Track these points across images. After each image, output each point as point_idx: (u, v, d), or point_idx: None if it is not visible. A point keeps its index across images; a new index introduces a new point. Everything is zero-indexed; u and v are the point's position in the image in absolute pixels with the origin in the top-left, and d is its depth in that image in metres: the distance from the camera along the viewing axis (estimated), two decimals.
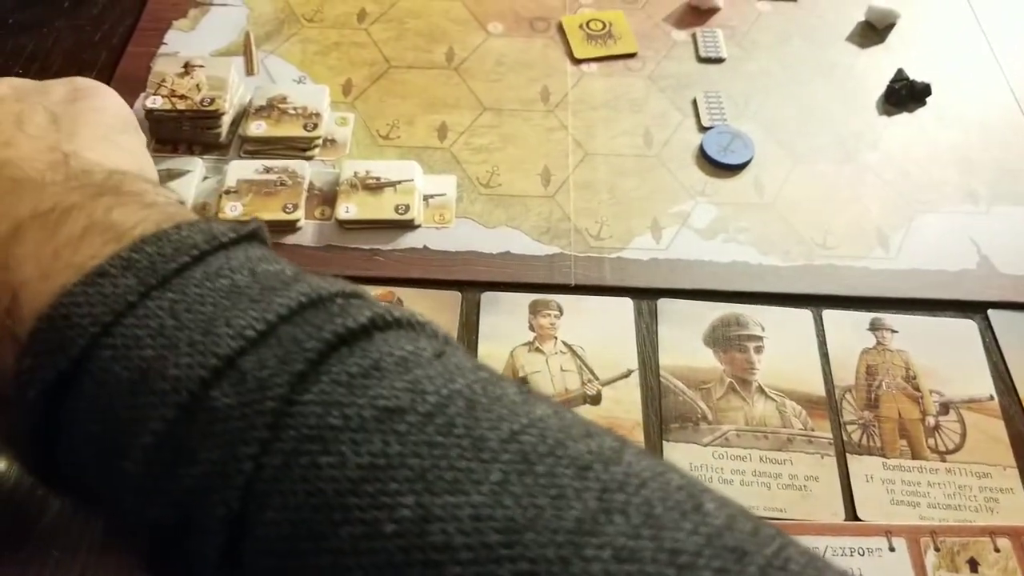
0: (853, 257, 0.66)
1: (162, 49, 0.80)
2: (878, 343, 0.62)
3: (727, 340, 0.62)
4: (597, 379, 0.60)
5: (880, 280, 0.65)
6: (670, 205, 0.69)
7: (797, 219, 0.69)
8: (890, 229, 0.68)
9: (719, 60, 0.80)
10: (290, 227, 0.67)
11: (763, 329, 0.62)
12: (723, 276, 0.65)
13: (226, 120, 0.72)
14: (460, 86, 0.78)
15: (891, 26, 0.83)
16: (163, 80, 0.71)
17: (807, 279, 0.65)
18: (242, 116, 0.73)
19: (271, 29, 0.82)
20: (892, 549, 0.52)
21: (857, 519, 0.54)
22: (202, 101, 0.70)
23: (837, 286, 0.65)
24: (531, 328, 0.62)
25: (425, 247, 0.67)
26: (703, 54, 0.80)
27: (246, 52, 0.80)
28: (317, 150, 0.72)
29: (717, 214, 0.69)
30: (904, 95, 0.77)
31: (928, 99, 0.77)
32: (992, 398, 0.60)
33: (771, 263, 0.66)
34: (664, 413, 0.58)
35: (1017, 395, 0.60)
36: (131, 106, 0.71)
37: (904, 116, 0.77)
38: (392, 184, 0.69)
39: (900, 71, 0.78)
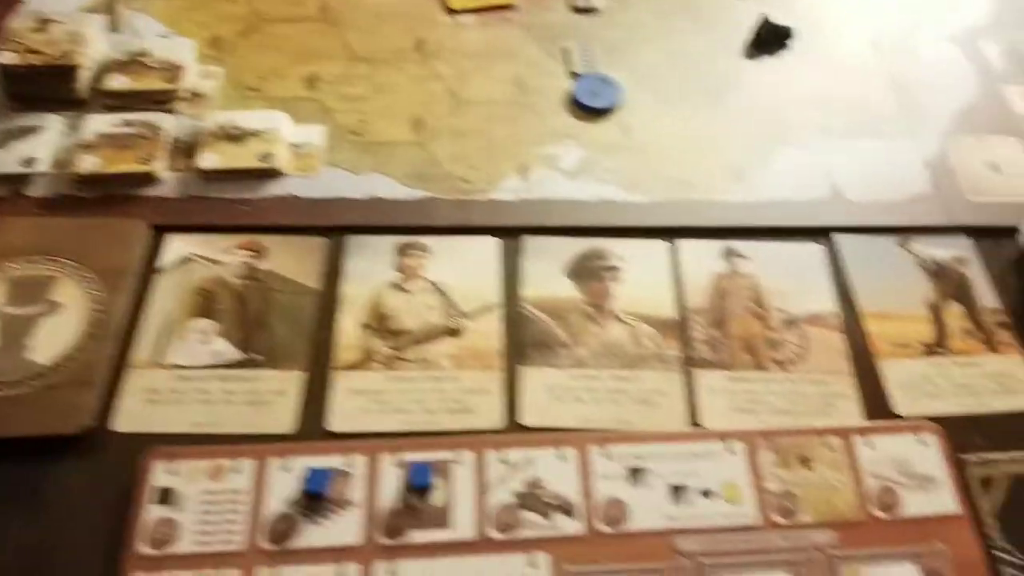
0: (709, 190, 0.67)
1: (22, 8, 0.78)
2: (731, 269, 0.63)
3: (587, 271, 0.62)
4: (461, 313, 0.60)
5: (735, 212, 0.66)
6: (539, 148, 0.70)
7: (662, 160, 0.69)
8: (746, 164, 0.70)
9: (593, 10, 0.81)
10: (148, 179, 0.66)
11: (621, 260, 0.63)
12: (587, 213, 0.66)
13: (84, 75, 0.70)
14: (333, 38, 0.77)
15: None
16: (19, 35, 0.70)
17: (665, 213, 0.66)
18: (103, 72, 0.72)
19: None
20: (732, 452, 0.53)
21: (697, 427, 0.55)
22: (58, 56, 0.69)
23: (694, 219, 0.66)
24: (397, 268, 0.62)
25: (292, 195, 0.66)
26: (578, 4, 0.81)
27: (111, 8, 0.78)
28: (180, 104, 0.71)
29: (585, 156, 0.69)
30: (767, 39, 0.78)
31: (792, 43, 0.78)
32: (834, 314, 0.61)
33: (633, 200, 0.66)
34: (524, 341, 0.59)
35: (856, 310, 0.62)
36: None
37: (769, 60, 0.78)
38: (256, 133, 0.68)
39: (763, 16, 0.79)
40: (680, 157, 0.70)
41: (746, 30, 0.80)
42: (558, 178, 0.68)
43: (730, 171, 0.69)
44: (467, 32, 0.78)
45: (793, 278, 0.63)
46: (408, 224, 0.65)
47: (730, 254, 0.64)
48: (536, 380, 0.57)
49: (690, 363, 0.58)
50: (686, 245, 0.64)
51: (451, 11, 0.80)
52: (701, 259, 0.63)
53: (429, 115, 0.72)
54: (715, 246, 0.64)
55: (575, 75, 0.75)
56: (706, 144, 0.71)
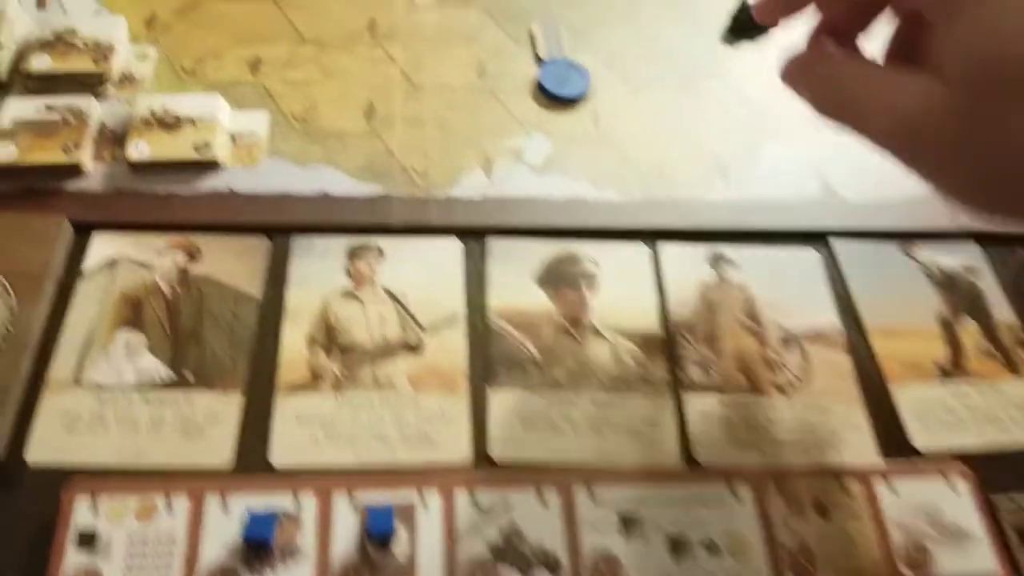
0: (691, 188, 0.62)
1: None
2: (719, 278, 0.57)
3: (559, 278, 0.57)
4: (419, 325, 0.54)
5: (719, 212, 0.61)
6: (502, 139, 0.64)
7: (635, 152, 0.64)
8: (731, 160, 0.64)
9: None
10: (72, 170, 0.59)
11: (597, 265, 0.58)
12: (557, 213, 0.60)
13: (3, 56, 0.63)
14: (278, 18, 0.71)
15: None
16: None
17: (643, 213, 0.61)
18: (25, 51, 0.65)
19: None
20: (737, 498, 0.48)
21: (693, 462, 0.50)
22: None
23: (675, 219, 0.61)
24: (348, 274, 0.56)
25: (230, 190, 0.60)
26: None
27: None
28: (109, 87, 0.64)
29: (552, 149, 0.64)
30: (746, 23, 0.72)
31: (773, 28, 0.73)
32: (837, 331, 0.56)
33: (607, 198, 0.61)
34: (491, 358, 0.53)
35: (861, 326, 0.57)
36: None
37: (748, 46, 0.72)
38: (192, 121, 0.61)
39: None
40: (656, 151, 0.64)
41: (722, 14, 0.74)
42: (524, 173, 0.62)
43: (712, 167, 0.64)
44: (423, 13, 0.72)
45: (789, 288, 0.58)
46: (360, 224, 0.59)
47: (718, 260, 0.59)
48: (506, 405, 0.51)
49: (679, 386, 0.53)
50: (669, 249, 0.59)
51: None
52: (686, 266, 0.58)
53: (381, 102, 0.66)
54: (700, 251, 0.59)
55: (540, 60, 0.69)
56: (684, 137, 0.66)
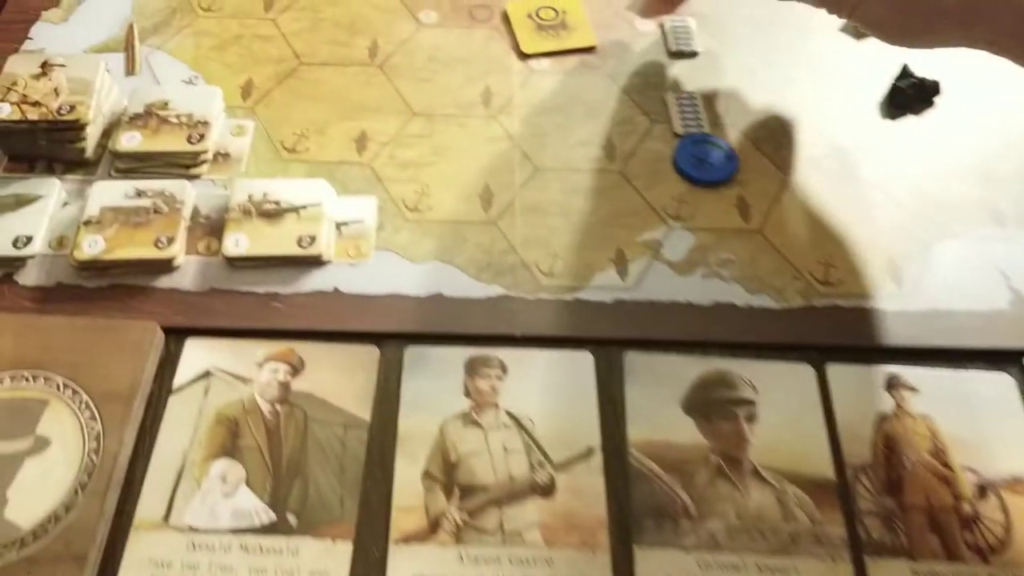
0: (860, 296, 0.54)
1: (26, 45, 0.66)
2: (897, 406, 0.49)
3: (711, 405, 0.49)
4: (550, 461, 0.47)
5: (894, 325, 0.53)
6: (638, 231, 0.56)
7: (791, 247, 0.56)
8: (903, 259, 0.56)
9: (692, 54, 0.67)
10: (165, 266, 0.53)
11: (755, 390, 0.50)
12: (704, 322, 0.53)
13: (92, 132, 0.58)
14: (385, 86, 0.64)
15: None
16: (14, 83, 0.57)
17: (806, 325, 0.53)
18: (115, 126, 0.59)
19: (159, 20, 0.68)
20: None
21: None
22: (59, 109, 0.56)
23: (843, 333, 0.53)
24: (467, 393, 0.49)
25: (336, 289, 0.53)
26: (673, 47, 0.68)
27: (127, 48, 0.66)
28: (205, 167, 0.59)
29: (694, 242, 0.56)
30: (911, 95, 0.64)
31: (938, 99, 0.64)
32: None
33: (762, 304, 0.53)
34: (635, 507, 0.45)
35: None
36: None
37: (911, 121, 0.64)
38: (295, 209, 0.55)
39: (905, 67, 0.65)
40: (813, 246, 0.56)
41: (877, 79, 0.66)
42: (664, 272, 0.55)
43: (883, 269, 0.55)
44: (542, 81, 0.65)
45: (981, 422, 0.49)
46: (479, 332, 0.52)
47: (895, 385, 0.50)
48: (655, 568, 0.43)
49: (860, 547, 0.45)
50: (838, 372, 0.51)
51: (523, 56, 0.66)
52: (859, 392, 0.50)
53: (500, 186, 0.59)
54: (875, 373, 0.51)
55: (676, 136, 0.62)
56: (847, 231, 0.57)
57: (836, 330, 0.53)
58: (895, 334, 0.53)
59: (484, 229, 0.57)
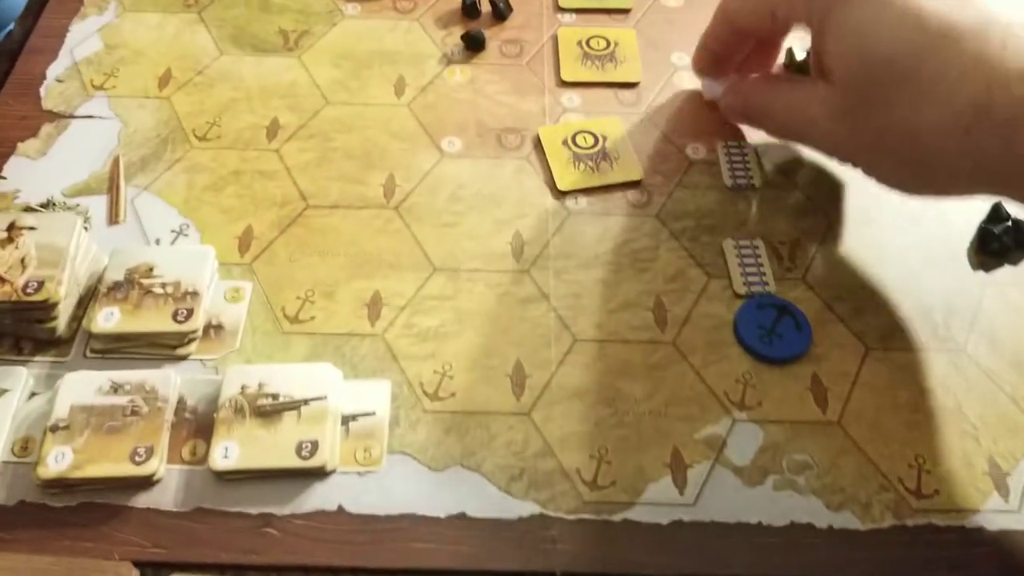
0: (960, 512, 0.45)
1: None
2: None
3: None
4: None
5: (1004, 552, 0.44)
6: (696, 426, 0.48)
7: (875, 446, 0.48)
8: (1008, 461, 0.47)
9: (751, 188, 0.58)
10: (143, 483, 0.45)
11: None
12: (779, 550, 0.44)
13: (64, 307, 0.50)
14: (402, 234, 0.56)
15: None
16: None
17: (898, 550, 0.44)
18: (91, 296, 0.51)
19: (148, 152, 0.60)
20: None
21: None
22: (26, 287, 0.48)
23: (941, 562, 0.43)
24: None
25: (340, 508, 0.45)
26: (729, 182, 0.58)
27: (111, 188, 0.59)
28: (193, 346, 0.51)
29: (764, 440, 0.47)
30: (1006, 241, 0.55)
31: None
32: None
33: (845, 524, 0.45)
34: None
35: None
36: None
37: (1007, 272, 0.55)
38: (295, 406, 0.47)
39: (996, 208, 0.56)
40: (903, 442, 0.48)
41: (963, 220, 0.57)
42: (729, 481, 0.47)
43: (981, 469, 0.47)
44: (581, 224, 0.57)
45: None
46: (511, 570, 0.43)
47: None
48: None
49: None
50: None
51: (559, 193, 0.58)
52: None
53: (533, 363, 0.50)
54: None
55: (738, 296, 0.53)
56: (938, 418, 0.49)
57: (935, 561, 0.44)
58: (1003, 562, 0.44)
59: (516, 422, 0.48)
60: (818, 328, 0.52)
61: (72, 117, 0.63)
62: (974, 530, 0.46)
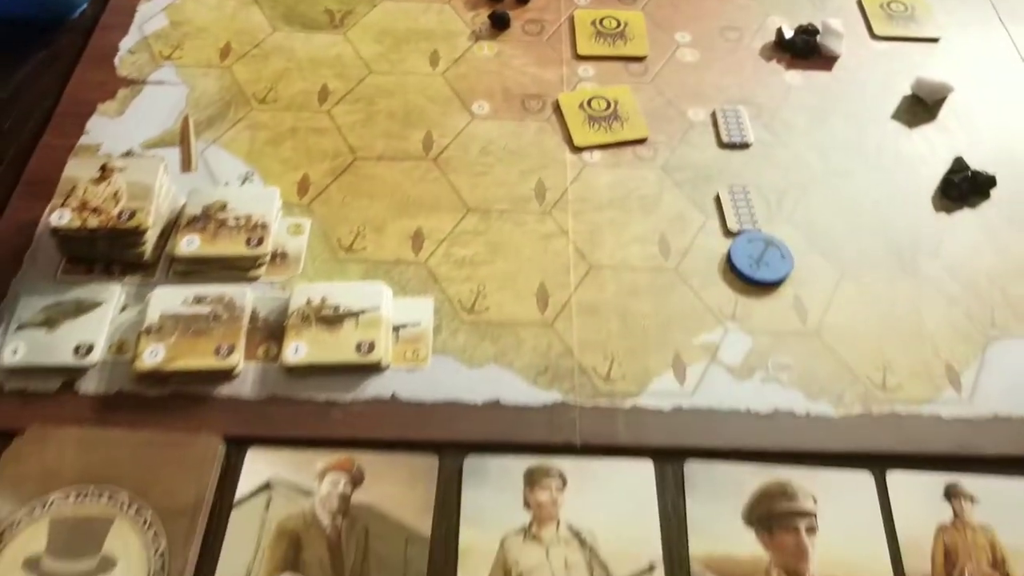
0: (919, 401, 0.54)
1: (82, 140, 0.67)
2: (956, 516, 0.49)
3: (773, 518, 0.49)
4: None
5: (954, 432, 0.53)
6: (694, 334, 0.56)
7: (848, 351, 0.56)
8: (961, 362, 0.55)
9: (744, 145, 0.67)
10: (225, 375, 0.53)
11: (815, 501, 0.49)
12: (763, 430, 0.52)
13: (151, 235, 0.59)
14: (439, 181, 0.65)
15: (943, 100, 0.70)
16: (74, 188, 0.58)
17: (865, 432, 0.53)
18: (173, 227, 0.60)
19: (214, 112, 0.69)
20: None
21: None
22: (120, 215, 0.57)
23: (902, 440, 0.53)
24: (527, 504, 0.49)
25: (394, 396, 0.53)
26: (725, 139, 0.67)
27: (183, 142, 0.67)
28: (263, 269, 0.59)
29: (752, 345, 0.56)
30: (965, 189, 0.64)
31: (993, 191, 0.64)
32: None
33: (821, 411, 0.53)
34: None
35: None
36: (40, 214, 0.58)
37: (965, 213, 0.64)
38: (354, 315, 0.55)
39: (958, 160, 0.65)
40: (871, 348, 0.56)
41: (930, 170, 0.66)
42: (722, 376, 0.55)
43: (938, 369, 0.55)
44: (595, 174, 0.66)
45: None
46: (538, 441, 0.52)
47: (954, 495, 0.50)
48: None
49: None
50: (898, 480, 0.50)
51: (575, 148, 0.67)
52: (917, 501, 0.50)
53: (555, 285, 0.59)
54: (934, 482, 0.51)
55: (730, 233, 0.61)
56: (905, 332, 0.57)
57: (895, 438, 0.52)
58: (954, 441, 0.53)
59: (540, 331, 0.57)
60: (799, 259, 0.61)
61: (144, 83, 0.72)
62: (931, 417, 0.54)
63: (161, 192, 0.61)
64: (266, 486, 0.51)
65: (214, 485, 0.50)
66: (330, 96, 0.71)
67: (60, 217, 0.57)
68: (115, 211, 0.58)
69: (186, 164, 0.66)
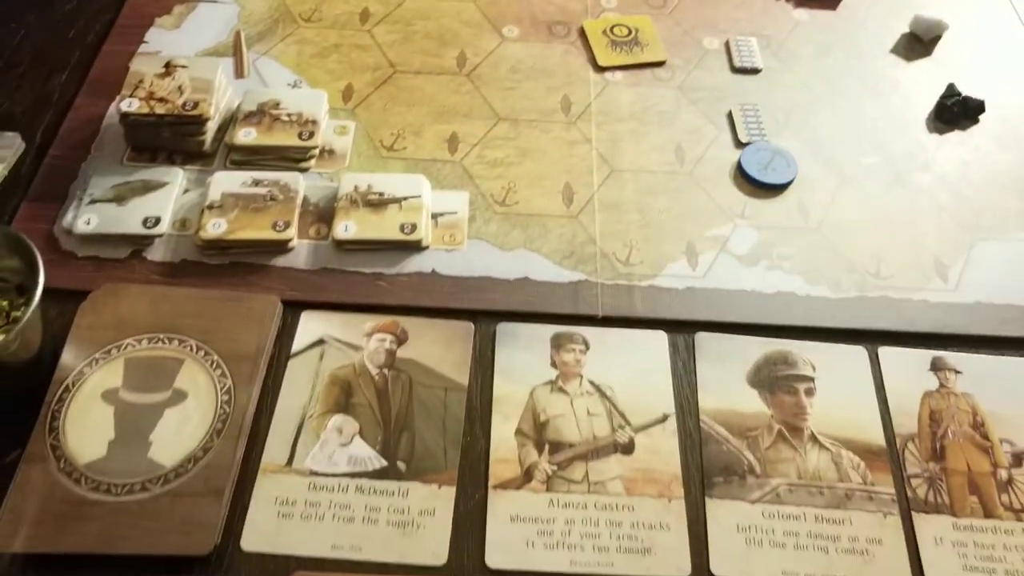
0: (910, 288, 0.59)
1: (142, 48, 0.73)
2: (941, 385, 0.54)
3: (774, 381, 0.54)
4: (629, 424, 0.52)
5: (940, 315, 0.58)
6: (706, 228, 0.62)
7: (846, 245, 0.61)
8: (948, 258, 0.61)
9: (754, 71, 0.73)
10: (281, 247, 0.59)
11: (814, 368, 0.55)
12: (767, 308, 0.58)
13: (211, 126, 0.64)
14: (472, 94, 0.70)
15: (938, 38, 0.76)
16: (141, 81, 0.64)
17: (861, 312, 0.58)
18: (230, 122, 0.66)
19: (264, 29, 0.75)
20: None
21: None
22: (184, 105, 0.63)
23: (894, 321, 0.58)
24: (553, 364, 0.55)
25: (434, 271, 0.59)
26: (737, 64, 0.73)
27: (236, 53, 0.73)
28: (313, 161, 0.65)
29: (758, 238, 0.62)
30: (956, 112, 0.70)
31: (982, 116, 0.70)
32: None
33: (820, 294, 0.59)
34: (706, 464, 0.51)
35: None
36: (105, 110, 0.64)
37: (956, 135, 0.70)
38: (397, 200, 0.61)
39: (951, 86, 0.71)
40: (867, 244, 0.62)
41: (925, 97, 0.71)
42: (730, 263, 0.60)
43: (927, 263, 0.61)
44: (617, 91, 0.71)
45: (1017, 401, 0.55)
46: (564, 313, 0.58)
47: (940, 367, 0.55)
48: (725, 518, 0.49)
49: (908, 505, 0.50)
50: (889, 354, 0.56)
51: (599, 68, 0.73)
52: (907, 372, 0.56)
53: (580, 185, 0.64)
54: (922, 356, 0.56)
55: (741, 144, 0.67)
56: (894, 230, 0.63)
57: (888, 318, 0.58)
58: (941, 322, 0.58)
59: (566, 222, 0.63)
60: (804, 168, 0.67)
61: (199, 0, 0.77)
62: (920, 301, 0.60)
63: (220, 88, 0.66)
64: (319, 342, 0.56)
65: (273, 336, 0.56)
66: (371, 18, 0.77)
67: (129, 104, 0.63)
68: (179, 101, 0.64)
69: (239, 71, 0.72)
